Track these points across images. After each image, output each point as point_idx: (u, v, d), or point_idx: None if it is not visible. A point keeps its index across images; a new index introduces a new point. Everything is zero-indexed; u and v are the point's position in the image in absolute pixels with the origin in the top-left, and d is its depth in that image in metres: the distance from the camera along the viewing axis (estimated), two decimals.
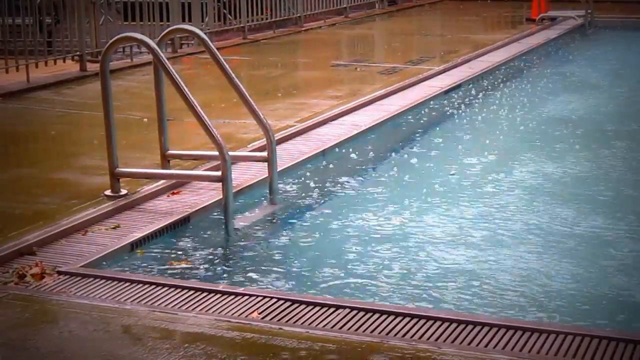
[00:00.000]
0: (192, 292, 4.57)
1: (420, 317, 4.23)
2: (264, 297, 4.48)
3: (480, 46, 13.51)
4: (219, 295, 4.52)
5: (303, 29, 15.95)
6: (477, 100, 10.19)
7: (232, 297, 4.50)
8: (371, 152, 7.81)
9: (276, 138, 6.60)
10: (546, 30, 15.89)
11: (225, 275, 5.15)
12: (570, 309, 4.70)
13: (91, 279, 4.75)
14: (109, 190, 6.03)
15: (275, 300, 4.44)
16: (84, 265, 4.94)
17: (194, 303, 4.44)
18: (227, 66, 6.31)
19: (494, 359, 3.79)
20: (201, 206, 5.99)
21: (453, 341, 3.98)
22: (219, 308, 4.37)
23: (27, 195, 6.17)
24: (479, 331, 4.07)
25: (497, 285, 4.99)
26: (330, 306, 4.36)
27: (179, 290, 4.60)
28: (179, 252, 5.41)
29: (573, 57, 13.93)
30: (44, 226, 5.44)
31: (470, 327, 4.11)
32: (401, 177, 7.10)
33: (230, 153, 5.90)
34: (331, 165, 7.34)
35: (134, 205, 5.96)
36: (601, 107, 10.05)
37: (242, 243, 5.66)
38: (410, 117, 9.13)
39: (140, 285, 4.67)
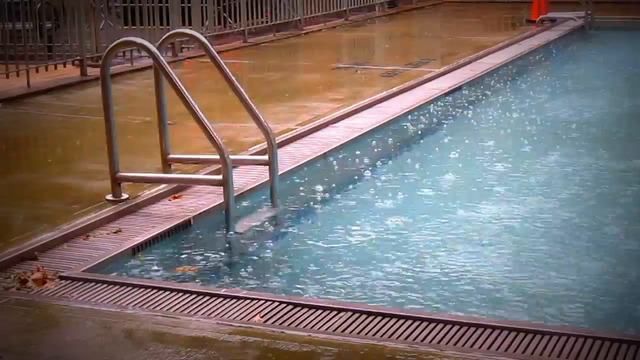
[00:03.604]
0: (193, 296, 4.57)
1: (422, 319, 4.22)
2: (266, 300, 4.47)
3: (481, 48, 13.50)
4: (220, 299, 4.52)
5: (303, 32, 15.96)
6: (477, 102, 10.18)
7: (234, 301, 4.49)
8: (372, 155, 7.80)
9: (277, 141, 6.60)
10: (546, 32, 15.88)
11: (227, 278, 5.15)
12: None
13: (93, 283, 4.75)
14: (110, 195, 6.03)
15: (277, 303, 4.44)
16: (86, 270, 4.94)
17: (196, 307, 4.43)
18: (227, 70, 6.31)
19: None
20: (202, 210, 5.99)
21: (455, 344, 3.98)
22: (220, 312, 4.37)
23: (28, 200, 6.17)
24: (481, 333, 4.07)
25: None
26: (332, 309, 4.36)
27: (180, 294, 4.59)
28: (181, 256, 5.41)
29: (573, 59, 13.93)
30: (46, 231, 5.44)
31: (472, 329, 4.11)
32: (403, 179, 7.10)
33: (231, 157, 5.91)
34: (332, 169, 7.34)
35: (135, 209, 5.96)
36: (602, 108, 10.04)
37: (243, 246, 5.66)
38: (411, 119, 9.13)
39: (142, 289, 4.67)
